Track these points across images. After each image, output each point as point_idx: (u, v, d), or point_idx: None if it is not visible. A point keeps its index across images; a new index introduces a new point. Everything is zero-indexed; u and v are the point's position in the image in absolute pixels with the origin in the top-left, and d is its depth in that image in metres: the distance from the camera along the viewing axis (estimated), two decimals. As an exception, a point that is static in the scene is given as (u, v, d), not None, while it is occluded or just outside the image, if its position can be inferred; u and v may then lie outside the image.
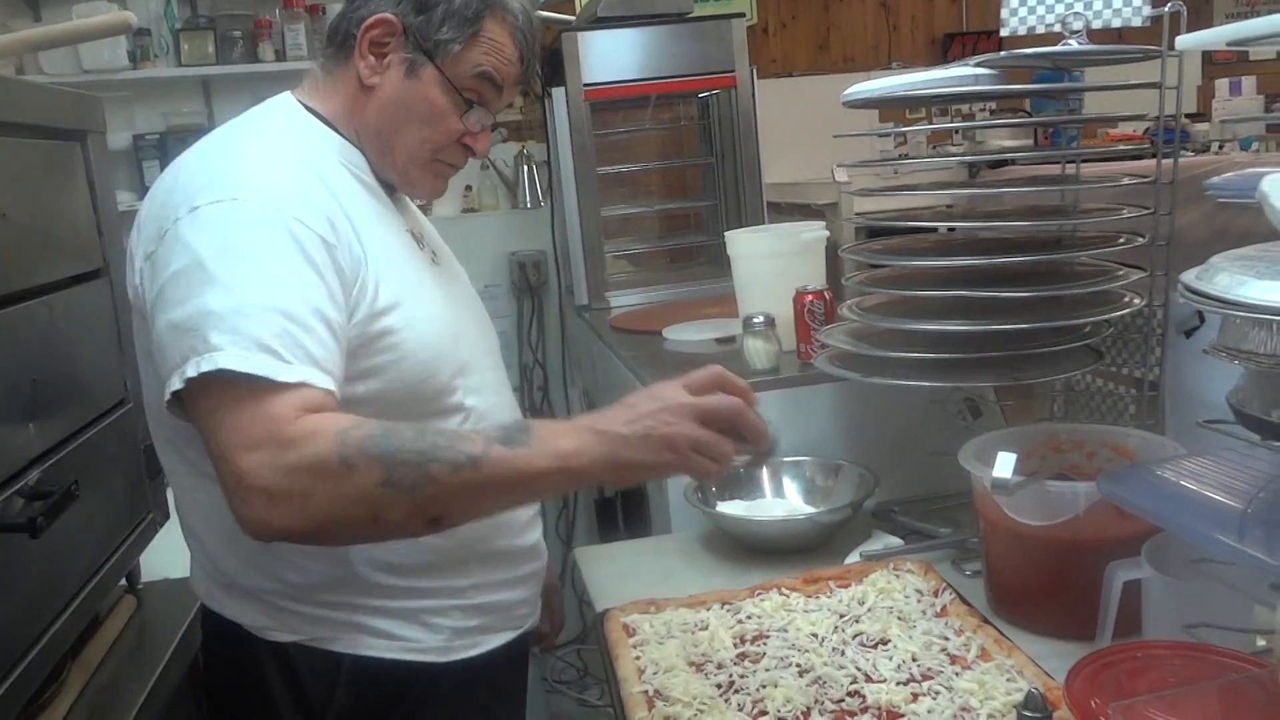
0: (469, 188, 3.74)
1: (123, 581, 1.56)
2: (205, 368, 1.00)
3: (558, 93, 2.89)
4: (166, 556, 1.63)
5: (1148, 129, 4.33)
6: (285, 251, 1.08)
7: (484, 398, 1.30)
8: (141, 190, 3.28)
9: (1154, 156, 1.49)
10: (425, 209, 3.44)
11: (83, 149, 1.46)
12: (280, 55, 3.45)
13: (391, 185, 1.33)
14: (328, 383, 1.05)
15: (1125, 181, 1.49)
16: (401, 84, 1.25)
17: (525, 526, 1.38)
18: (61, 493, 1.18)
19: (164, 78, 3.43)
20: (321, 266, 1.09)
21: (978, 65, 1.45)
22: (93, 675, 1.36)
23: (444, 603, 1.28)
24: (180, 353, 1.03)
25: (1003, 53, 1.41)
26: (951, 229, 1.86)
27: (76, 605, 1.28)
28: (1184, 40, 1.26)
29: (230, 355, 1.00)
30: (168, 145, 3.38)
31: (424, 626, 1.27)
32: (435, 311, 1.25)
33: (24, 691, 1.14)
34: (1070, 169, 1.69)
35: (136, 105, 3.49)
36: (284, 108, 1.30)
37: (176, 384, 1.03)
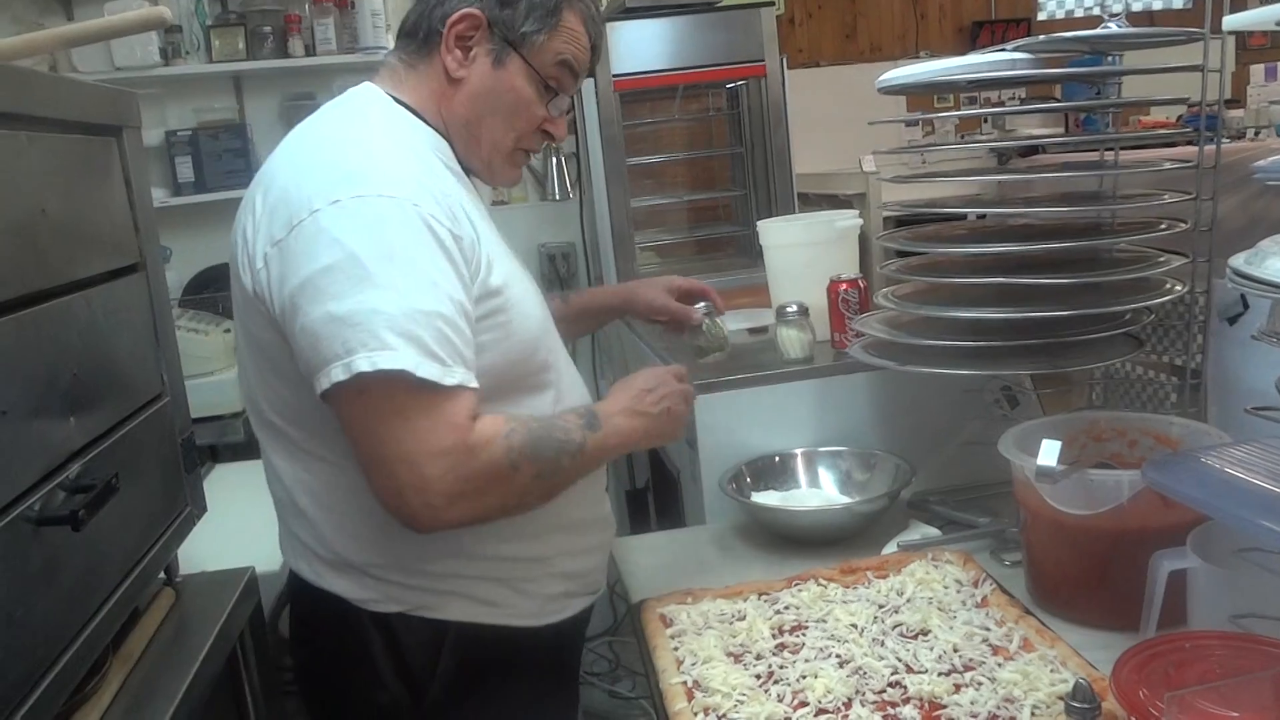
0: (497, 180, 3.74)
1: (162, 574, 1.57)
2: (384, 365, 1.08)
3: (586, 84, 2.88)
4: (204, 550, 1.64)
5: (1180, 116, 4.28)
6: (431, 249, 1.14)
7: (564, 374, 1.38)
8: (174, 187, 3.30)
9: (1190, 143, 1.46)
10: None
11: (118, 144, 1.47)
12: (310, 50, 3.46)
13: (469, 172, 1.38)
14: (474, 381, 1.15)
15: (1167, 166, 1.47)
16: (489, 75, 1.31)
17: (600, 497, 1.45)
18: (103, 486, 1.18)
19: (195, 74, 3.43)
20: (455, 259, 1.17)
21: (1015, 50, 1.43)
22: (134, 667, 1.37)
23: (533, 570, 1.34)
24: (344, 345, 1.09)
25: (1041, 37, 1.39)
26: (982, 216, 1.84)
27: (117, 598, 1.28)
28: (1231, 21, 1.24)
29: (407, 357, 1.09)
30: (200, 142, 3.39)
31: (520, 593, 1.33)
32: (529, 293, 1.32)
33: (68, 683, 1.14)
34: (1108, 156, 1.67)
35: (168, 102, 3.51)
36: (376, 99, 1.32)
37: (341, 375, 1.09)
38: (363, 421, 1.13)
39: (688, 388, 1.39)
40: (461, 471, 1.11)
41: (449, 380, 1.11)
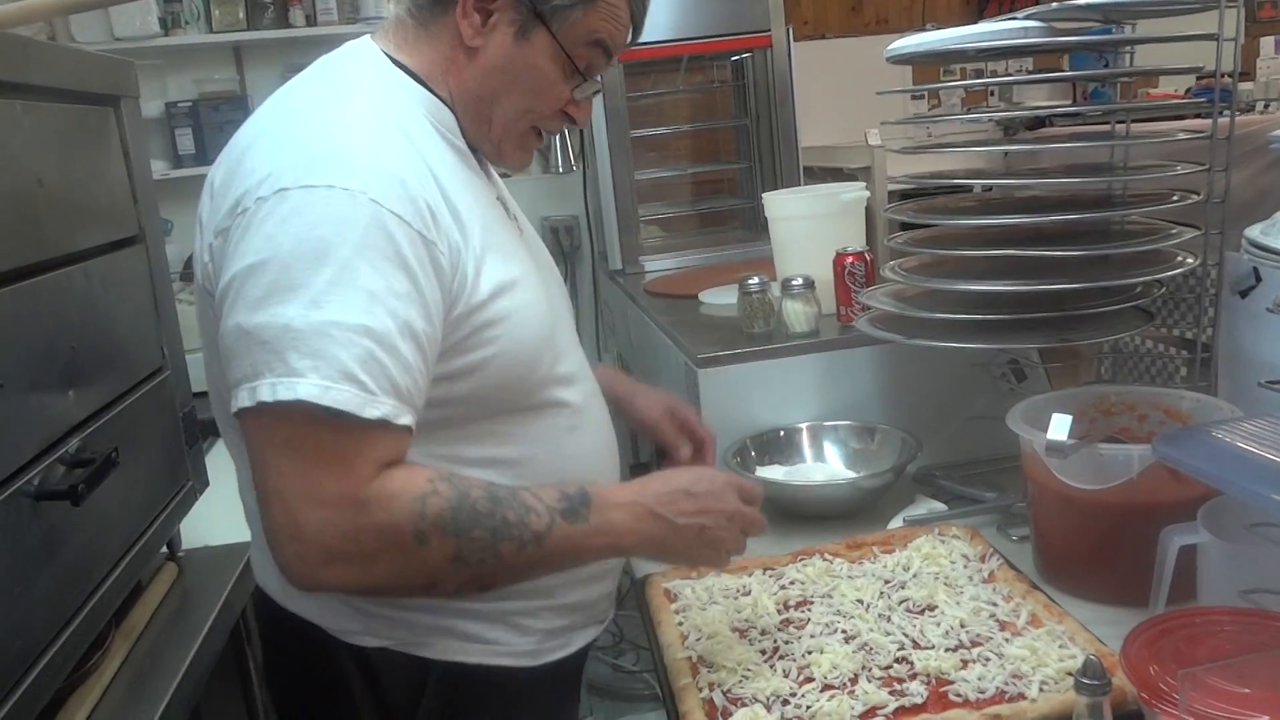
0: (500, 153, 3.72)
1: (164, 549, 1.56)
2: (283, 395, 0.92)
3: (589, 55, 2.85)
4: (206, 524, 1.63)
5: (1189, 89, 4.24)
6: (378, 255, 0.97)
7: (579, 389, 1.22)
8: (175, 159, 3.28)
9: (1200, 115, 1.44)
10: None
11: (116, 114, 1.45)
12: (311, 20, 3.44)
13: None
14: (407, 418, 0.98)
15: (1180, 137, 1.45)
16: (509, 48, 1.13)
17: None
18: (102, 460, 1.18)
19: (195, 44, 3.42)
20: (419, 272, 0.99)
21: (1026, 18, 1.41)
22: (136, 641, 1.37)
23: (534, 604, 1.19)
24: (251, 366, 0.95)
25: (1054, 4, 1.37)
26: (988, 189, 1.82)
27: (119, 572, 1.28)
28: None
29: (312, 385, 0.92)
30: (200, 113, 3.38)
31: (514, 629, 1.18)
32: (532, 295, 1.15)
33: (70, 656, 1.14)
34: (1119, 129, 1.65)
35: (168, 73, 3.49)
36: (371, 60, 1.15)
37: (246, 401, 0.95)
38: (255, 448, 0.97)
39: (752, 513, 1.13)
40: (344, 527, 0.94)
41: (370, 412, 0.94)
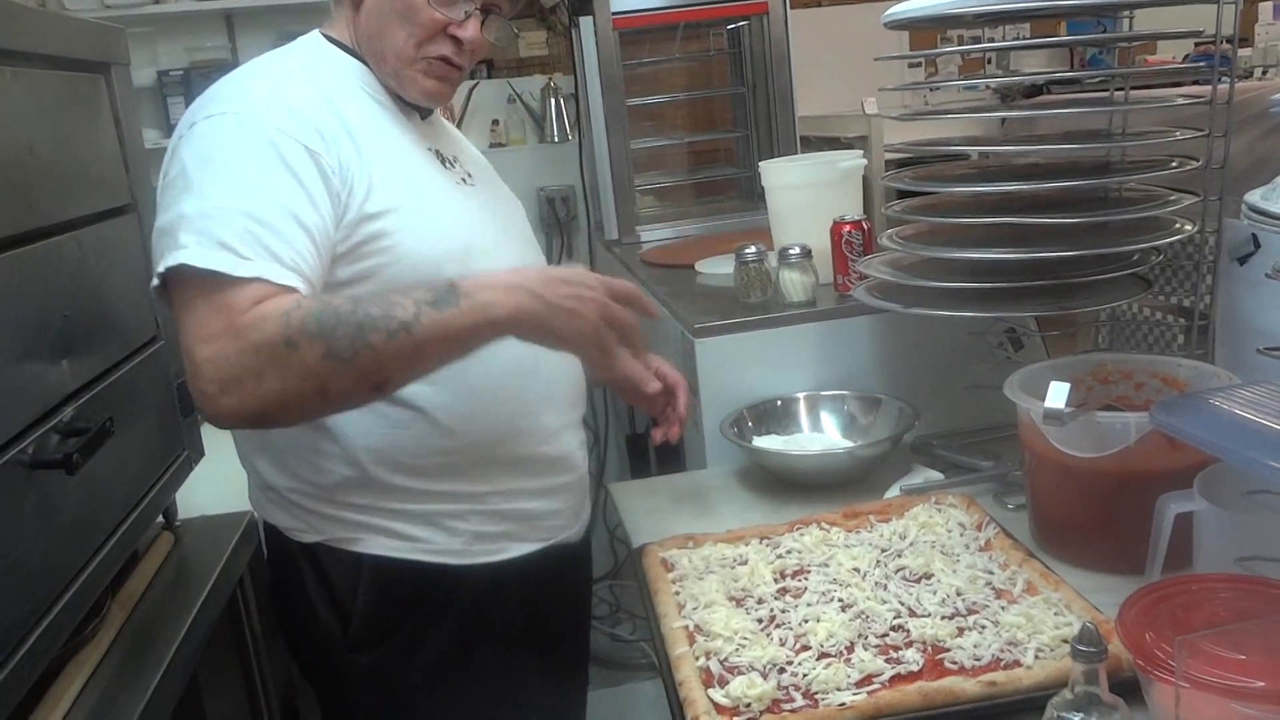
0: (496, 122, 3.69)
1: (160, 518, 1.56)
2: (170, 263, 1.09)
3: (585, 23, 2.83)
4: (203, 493, 1.63)
5: (1187, 55, 4.21)
6: (261, 159, 1.14)
7: None
8: (168, 128, 3.26)
9: (1199, 81, 1.43)
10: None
11: (107, 81, 1.43)
12: (302, -13, 3.40)
13: (424, 110, 1.39)
14: (288, 279, 1.10)
15: (1179, 102, 1.44)
16: None
17: (553, 435, 1.38)
18: (96, 429, 1.17)
19: (186, 12, 3.39)
20: (301, 172, 1.15)
21: (1025, -18, 1.39)
22: (133, 610, 1.37)
23: (461, 506, 1.31)
24: (159, 253, 1.12)
25: (1052, -32, 1.36)
26: (986, 155, 1.81)
27: (115, 541, 1.28)
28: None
29: (192, 252, 1.08)
30: (192, 81, 3.35)
31: (440, 529, 1.31)
32: (443, 223, 1.28)
33: (66, 625, 1.14)
34: (1117, 96, 1.63)
35: (160, 41, 3.46)
36: (309, 41, 1.36)
37: (155, 282, 1.12)
38: (172, 319, 1.13)
39: (620, 312, 1.15)
40: (228, 353, 1.06)
41: (242, 272, 1.08)
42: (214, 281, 1.08)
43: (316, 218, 1.16)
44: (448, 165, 1.38)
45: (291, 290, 1.10)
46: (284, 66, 1.30)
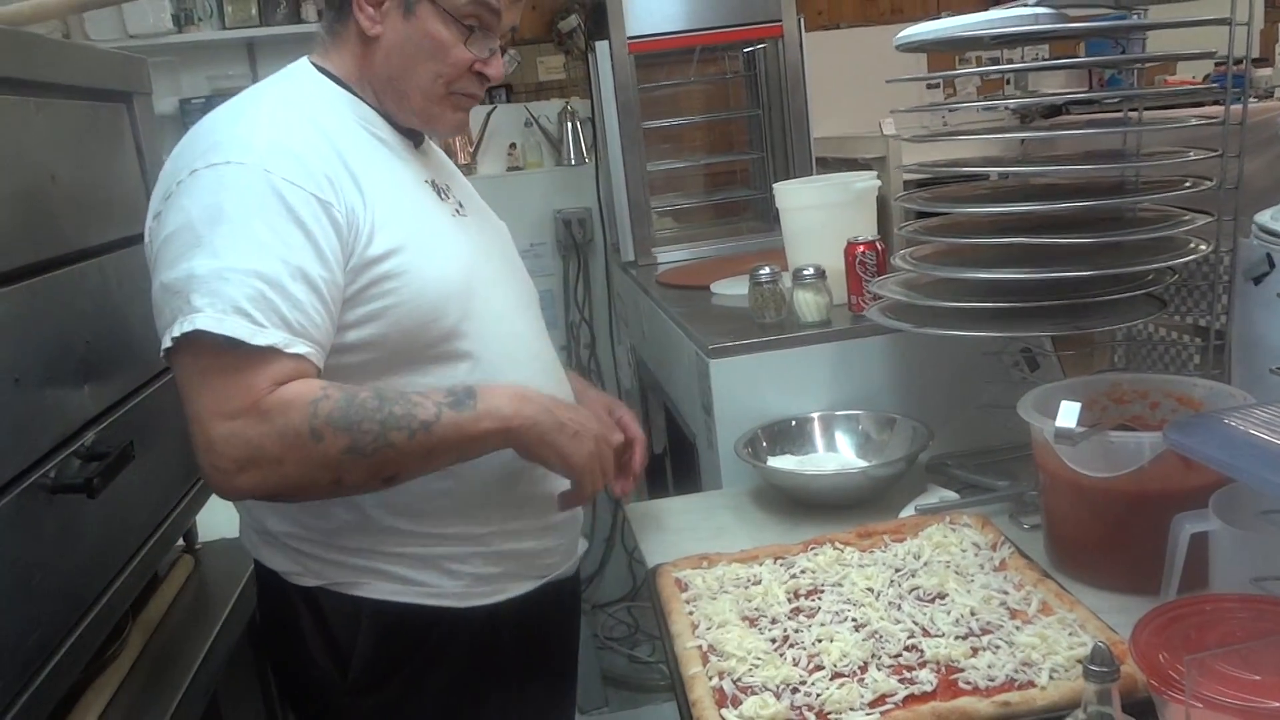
0: (513, 145, 3.72)
1: (180, 541, 1.58)
2: (185, 329, 1.07)
3: (601, 47, 2.85)
4: (222, 517, 1.64)
5: (1207, 75, 4.20)
6: (270, 213, 1.12)
7: (489, 343, 1.30)
8: (189, 154, 3.30)
9: (1216, 102, 1.43)
10: (468, 169, 3.43)
11: (129, 110, 1.46)
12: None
13: (415, 137, 1.37)
14: (296, 346, 1.11)
15: (1193, 122, 1.44)
16: (402, 26, 1.26)
17: (550, 474, 1.35)
18: (118, 453, 1.19)
19: (208, 41, 3.44)
20: (311, 225, 1.14)
21: (1037, 4, 1.40)
22: (154, 633, 1.38)
23: (463, 549, 1.30)
24: (170, 313, 1.10)
25: (1064, -10, 1.36)
26: (1004, 176, 1.81)
27: (136, 564, 1.29)
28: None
29: (207, 317, 1.07)
30: (214, 109, 3.39)
31: (443, 572, 1.30)
32: (443, 259, 1.27)
33: (88, 647, 1.15)
34: (1133, 115, 1.64)
35: (182, 70, 3.51)
36: (299, 71, 1.33)
37: (166, 343, 1.10)
38: (178, 383, 1.12)
39: (608, 447, 1.29)
40: (249, 435, 1.07)
41: (259, 340, 1.08)
42: (229, 350, 1.08)
43: (326, 273, 1.15)
44: (443, 197, 1.36)
45: (301, 358, 1.11)
46: (281, 102, 1.26)
